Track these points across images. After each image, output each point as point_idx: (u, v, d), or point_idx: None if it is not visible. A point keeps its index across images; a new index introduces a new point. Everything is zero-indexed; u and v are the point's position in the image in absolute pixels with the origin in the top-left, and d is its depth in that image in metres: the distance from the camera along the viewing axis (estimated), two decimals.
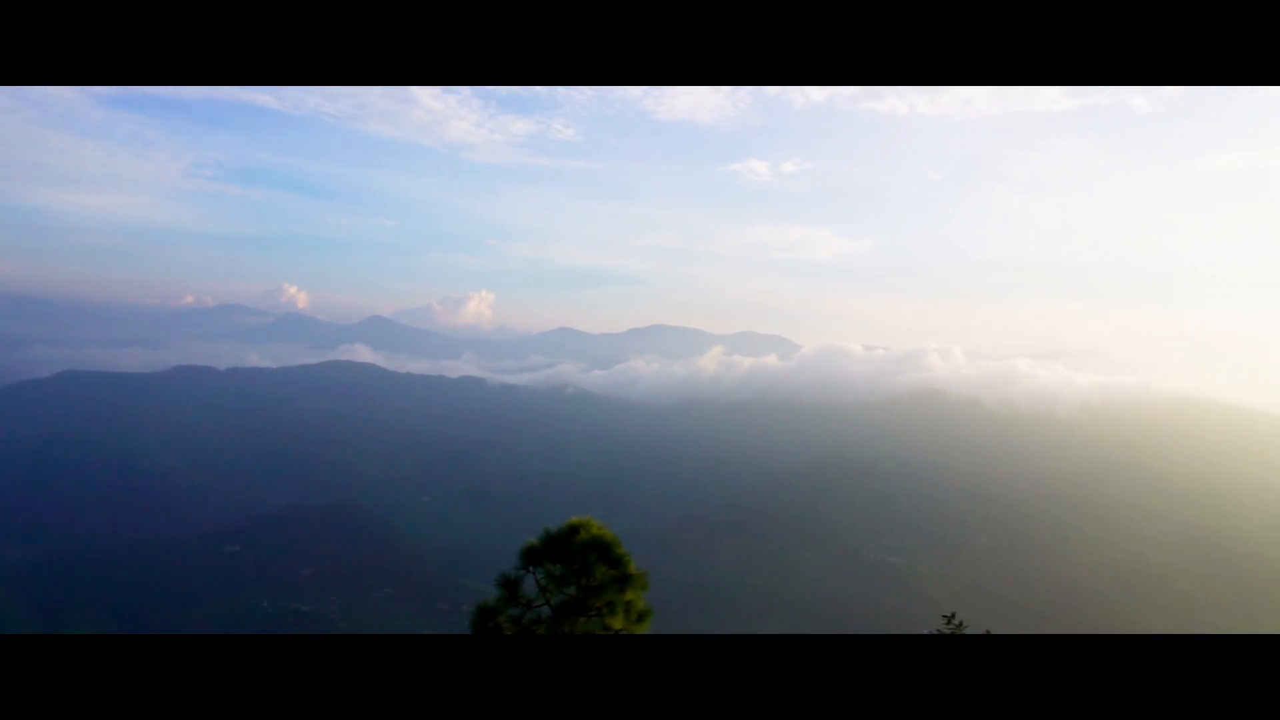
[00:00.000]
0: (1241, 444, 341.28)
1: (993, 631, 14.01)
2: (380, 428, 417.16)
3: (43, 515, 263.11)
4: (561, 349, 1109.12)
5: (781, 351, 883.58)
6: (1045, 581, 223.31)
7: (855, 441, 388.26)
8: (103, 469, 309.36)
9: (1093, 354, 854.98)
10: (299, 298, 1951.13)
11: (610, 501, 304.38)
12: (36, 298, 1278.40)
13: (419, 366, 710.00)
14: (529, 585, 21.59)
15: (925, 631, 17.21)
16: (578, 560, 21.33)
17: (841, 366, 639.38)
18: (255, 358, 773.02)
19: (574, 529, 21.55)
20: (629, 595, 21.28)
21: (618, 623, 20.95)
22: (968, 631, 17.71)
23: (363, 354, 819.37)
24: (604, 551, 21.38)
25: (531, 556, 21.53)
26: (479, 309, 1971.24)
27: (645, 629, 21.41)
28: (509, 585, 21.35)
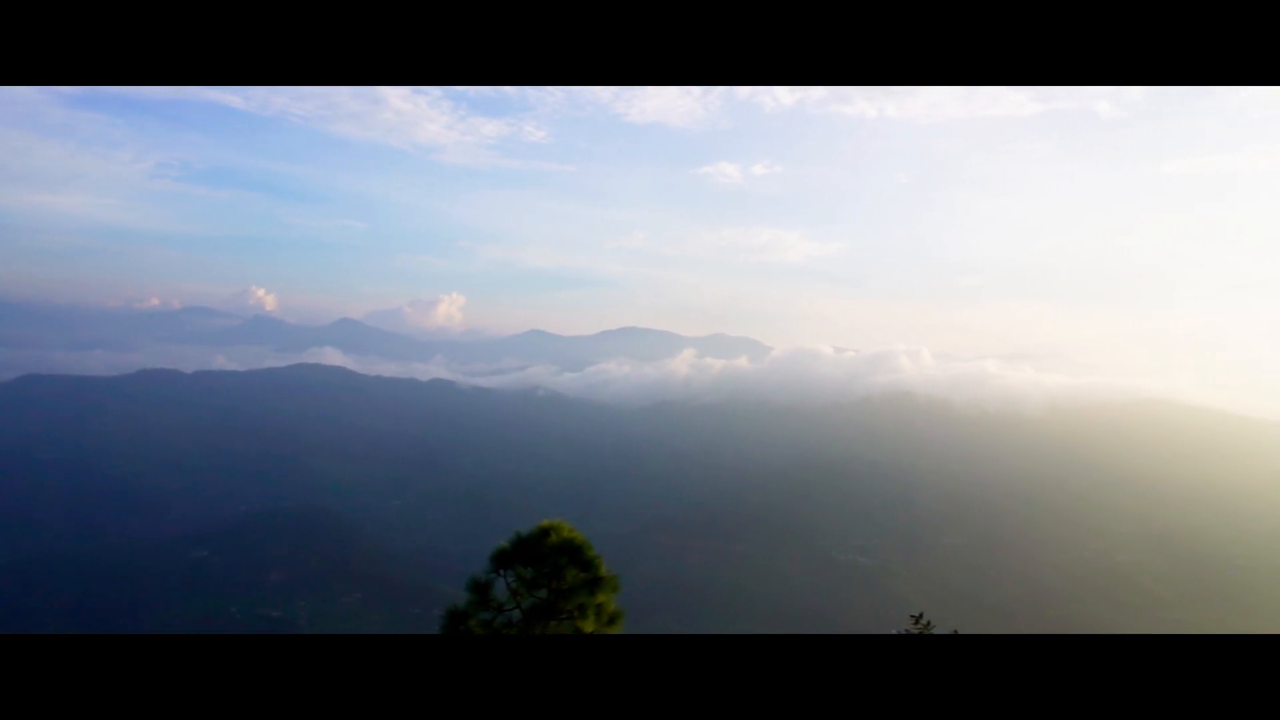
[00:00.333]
0: (1204, 443, 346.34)
1: (960, 631, 14.10)
2: (350, 431, 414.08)
3: (4, 521, 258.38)
4: (533, 351, 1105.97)
5: (752, 353, 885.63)
6: (1013, 580, 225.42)
7: (826, 443, 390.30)
8: (66, 474, 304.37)
9: (1059, 355, 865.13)
10: (267, 300, 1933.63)
11: (582, 504, 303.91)
12: None
13: (389, 369, 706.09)
14: (500, 589, 21.52)
15: (894, 632, 17.30)
16: (549, 563, 21.30)
17: (812, 368, 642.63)
18: (222, 361, 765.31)
19: (545, 532, 21.51)
20: (600, 598, 21.28)
21: (589, 625, 20.92)
22: (936, 631, 17.82)
23: (332, 357, 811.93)
24: (575, 554, 21.36)
25: (502, 560, 21.47)
26: (450, 311, 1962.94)
27: (617, 631, 21.39)
28: (480, 589, 21.27)
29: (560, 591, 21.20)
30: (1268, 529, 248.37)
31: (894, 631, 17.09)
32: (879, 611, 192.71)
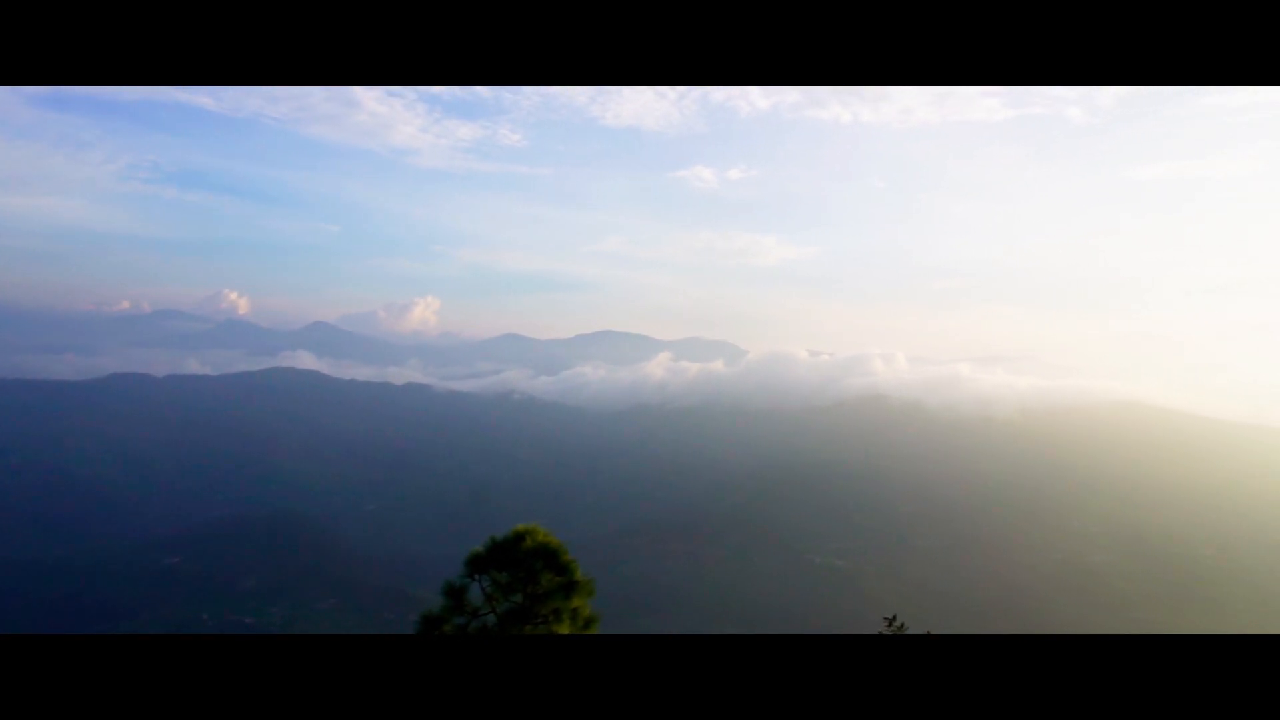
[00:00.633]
0: (1173, 445, 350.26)
1: (934, 632, 14.18)
2: (324, 435, 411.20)
3: None
4: (508, 355, 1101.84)
5: (728, 357, 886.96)
6: (987, 580, 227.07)
7: (801, 446, 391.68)
8: (35, 480, 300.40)
9: (1031, 358, 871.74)
10: (239, 303, 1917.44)
11: (557, 508, 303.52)
12: None
13: (363, 373, 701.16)
14: (475, 593, 21.42)
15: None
16: (524, 568, 21.22)
17: (787, 372, 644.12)
18: (194, 365, 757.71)
19: (520, 536, 21.43)
20: (575, 602, 21.23)
21: (564, 630, 20.86)
22: (910, 633, 17.89)
23: (305, 361, 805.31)
24: (550, 558, 21.30)
25: (477, 564, 21.38)
26: (424, 315, 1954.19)
27: None
28: (454, 594, 21.17)
29: (535, 596, 21.13)
30: (1235, 529, 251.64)
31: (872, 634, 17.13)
32: (854, 614, 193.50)
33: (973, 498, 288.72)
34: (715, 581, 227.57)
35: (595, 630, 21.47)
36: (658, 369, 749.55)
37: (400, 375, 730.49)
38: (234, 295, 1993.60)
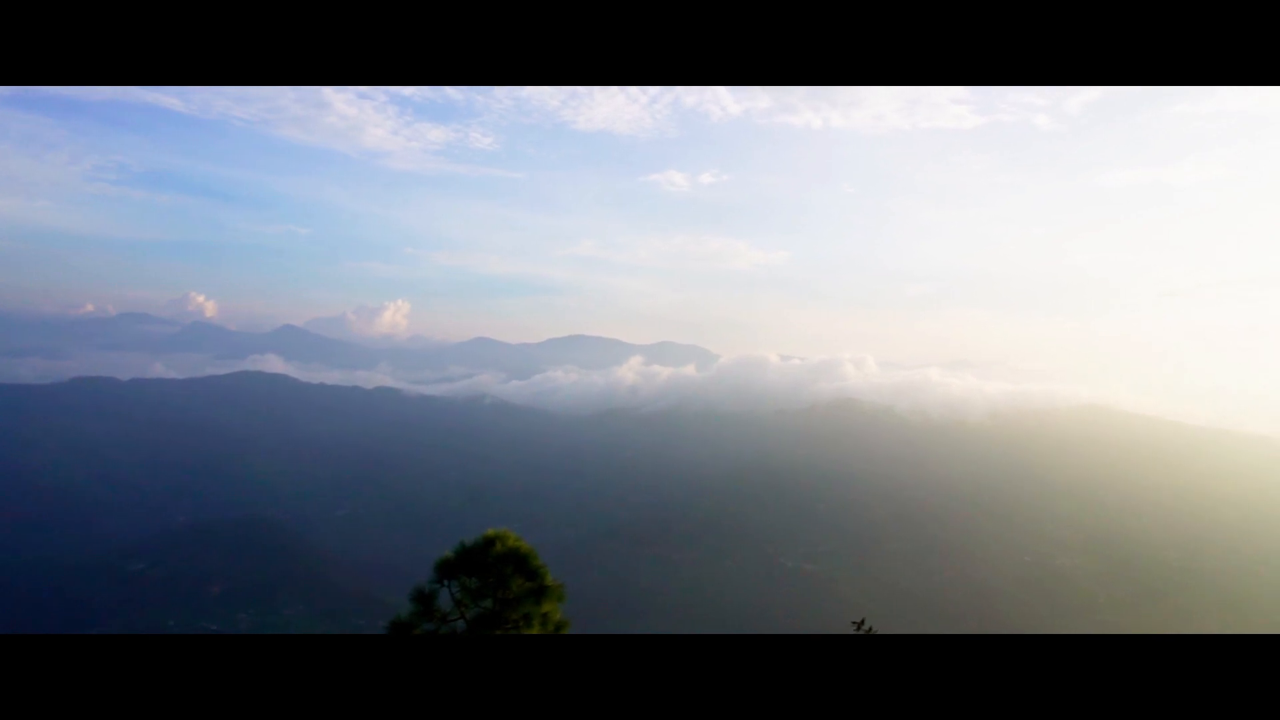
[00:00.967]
0: (1139, 449, 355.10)
1: (902, 634, 14.21)
2: (293, 440, 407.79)
3: None
4: (479, 359, 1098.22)
5: (699, 361, 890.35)
6: (957, 583, 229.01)
7: (772, 450, 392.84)
8: None
9: (1000, 363, 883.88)
10: (207, 306, 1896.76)
11: (529, 512, 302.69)
12: None
13: (333, 377, 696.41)
14: (444, 599, 21.25)
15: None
16: (494, 573, 21.07)
17: (759, 376, 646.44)
18: (160, 368, 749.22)
19: (490, 541, 21.29)
20: (546, 607, 21.11)
21: None
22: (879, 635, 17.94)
23: (274, 364, 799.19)
24: (520, 563, 21.17)
25: (446, 570, 21.20)
26: (395, 318, 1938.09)
27: None
28: (423, 599, 20.98)
29: (505, 601, 20.99)
30: (1199, 531, 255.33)
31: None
32: (826, 616, 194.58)
33: (943, 501, 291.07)
34: (687, 585, 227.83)
35: None
36: (630, 373, 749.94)
37: (370, 379, 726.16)
38: (201, 298, 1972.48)
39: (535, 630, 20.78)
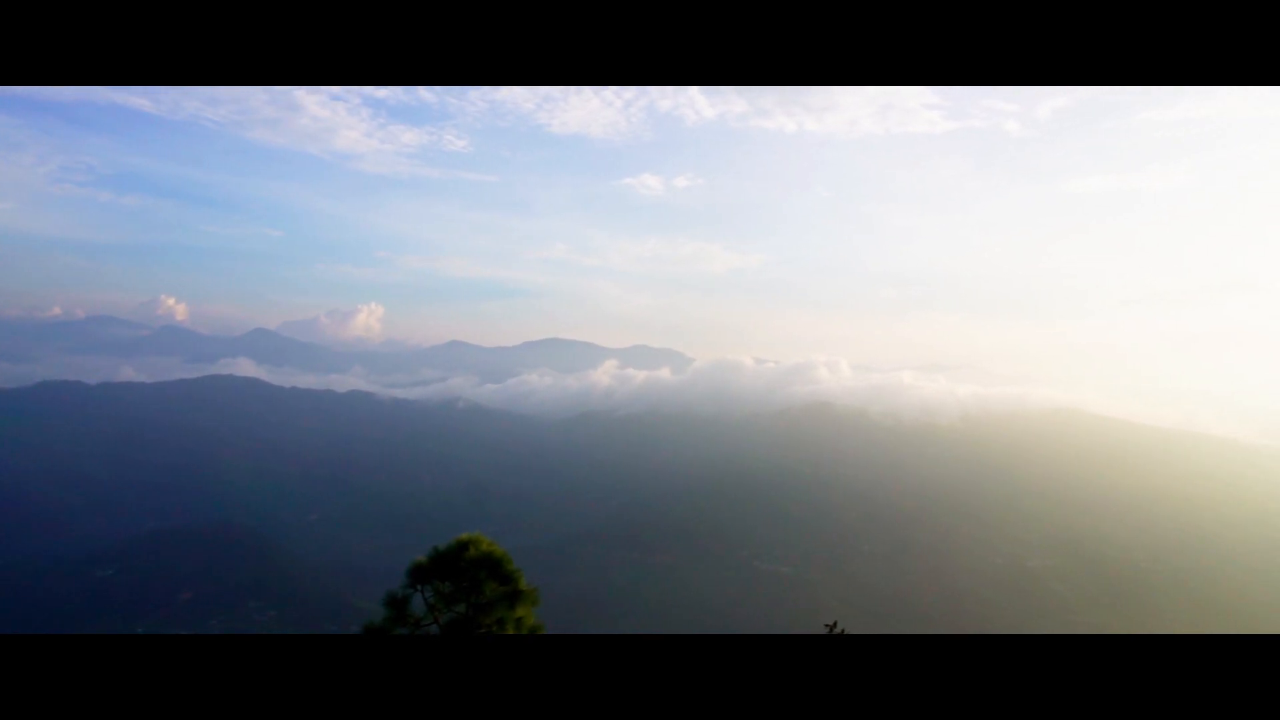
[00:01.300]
0: (1107, 451, 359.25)
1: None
2: (264, 444, 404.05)
3: None
4: (453, 362, 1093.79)
5: (674, 365, 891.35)
6: (930, 585, 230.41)
7: (747, 453, 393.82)
8: None
9: (972, 366, 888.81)
10: (177, 309, 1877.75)
11: (503, 516, 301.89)
12: None
13: (305, 381, 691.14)
14: (418, 604, 21.17)
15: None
16: (467, 577, 21.02)
17: (733, 379, 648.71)
18: (129, 372, 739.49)
19: (463, 545, 21.23)
20: (519, 612, 21.08)
21: None
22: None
23: (245, 368, 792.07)
24: (494, 568, 21.13)
25: (419, 574, 21.12)
26: (368, 322, 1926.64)
27: None
28: (396, 604, 20.90)
29: (479, 606, 20.94)
30: (1166, 533, 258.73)
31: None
32: (800, 619, 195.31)
33: (915, 503, 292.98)
34: (661, 588, 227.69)
35: None
36: (604, 376, 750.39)
37: (343, 383, 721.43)
38: (171, 301, 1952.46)
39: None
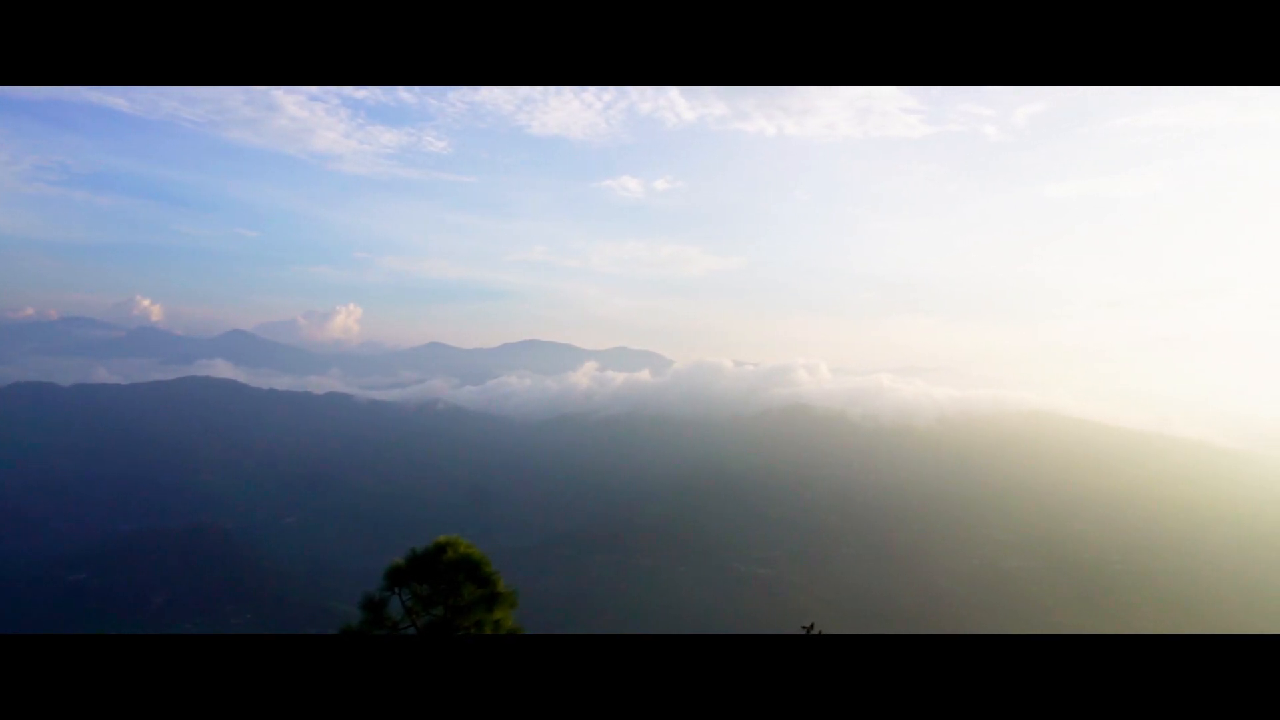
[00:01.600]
0: (1082, 453, 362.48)
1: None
2: (241, 446, 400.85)
3: None
4: (432, 364, 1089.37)
5: (654, 367, 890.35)
6: (907, 587, 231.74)
7: (726, 455, 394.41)
8: None
9: (949, 369, 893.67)
10: (152, 310, 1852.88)
11: (482, 519, 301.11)
12: None
13: (283, 382, 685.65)
14: (395, 607, 21.20)
15: None
16: (445, 580, 21.06)
17: (712, 382, 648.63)
18: (104, 373, 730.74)
19: (441, 548, 21.26)
20: (498, 614, 21.14)
21: None
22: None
23: (222, 369, 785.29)
24: (472, 570, 21.17)
25: (397, 577, 21.14)
26: (346, 323, 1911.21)
27: None
28: (373, 607, 20.91)
29: (457, 608, 20.98)
30: (1140, 534, 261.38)
31: None
32: (777, 621, 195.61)
33: (893, 505, 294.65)
34: (640, 591, 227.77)
35: None
36: (584, 378, 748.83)
37: (321, 384, 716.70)
38: (147, 302, 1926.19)
39: None
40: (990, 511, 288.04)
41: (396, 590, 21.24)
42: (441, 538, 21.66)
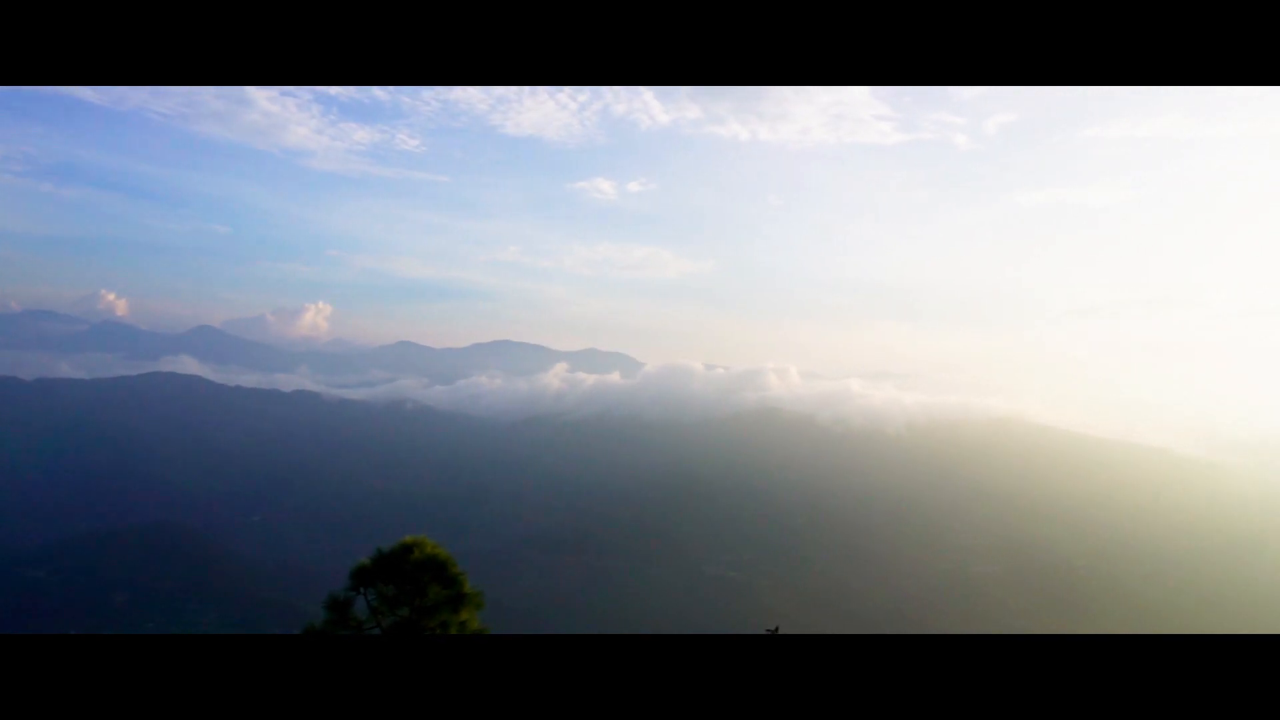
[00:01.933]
0: (1049, 460, 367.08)
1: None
2: (207, 444, 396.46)
3: None
4: (402, 363, 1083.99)
5: (624, 369, 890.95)
6: (876, 590, 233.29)
7: (696, 458, 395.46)
8: None
9: (919, 375, 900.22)
10: (118, 305, 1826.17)
11: (451, 520, 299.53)
12: None
13: (250, 379, 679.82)
14: (360, 606, 20.92)
15: None
16: (411, 580, 20.81)
17: (683, 385, 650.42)
18: (66, 368, 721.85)
19: (407, 548, 21.02)
20: (463, 615, 20.92)
21: None
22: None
23: (189, 365, 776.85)
24: (438, 571, 20.94)
25: (362, 577, 20.87)
26: (315, 321, 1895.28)
27: None
28: (338, 607, 20.64)
29: (422, 609, 20.74)
30: (1105, 539, 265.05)
31: None
32: (748, 623, 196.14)
33: (862, 509, 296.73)
34: (609, 593, 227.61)
35: None
36: (554, 380, 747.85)
37: (289, 382, 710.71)
38: (112, 296, 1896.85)
39: None
40: (958, 516, 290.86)
41: (362, 590, 20.97)
42: (408, 538, 21.43)
